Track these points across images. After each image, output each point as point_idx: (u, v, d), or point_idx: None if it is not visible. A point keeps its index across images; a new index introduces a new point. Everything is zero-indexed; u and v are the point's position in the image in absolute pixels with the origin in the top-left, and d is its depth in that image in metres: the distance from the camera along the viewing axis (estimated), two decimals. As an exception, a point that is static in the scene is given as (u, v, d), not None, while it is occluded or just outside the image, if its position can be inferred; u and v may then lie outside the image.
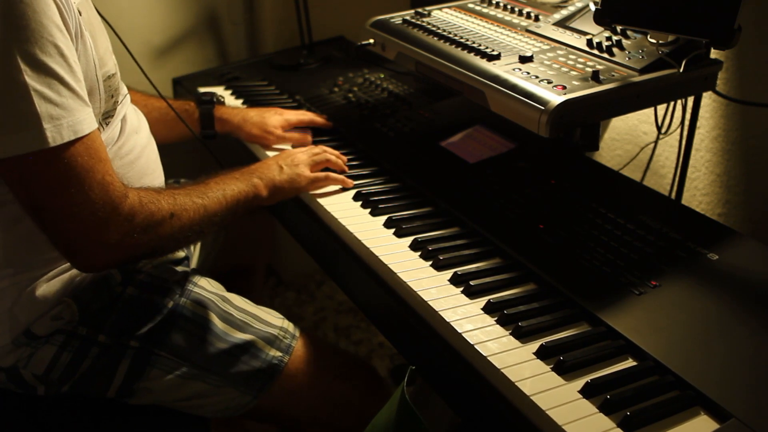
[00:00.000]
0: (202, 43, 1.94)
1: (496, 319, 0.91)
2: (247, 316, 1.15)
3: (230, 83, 1.73)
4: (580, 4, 1.36)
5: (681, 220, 1.07)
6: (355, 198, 1.20)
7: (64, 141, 0.87)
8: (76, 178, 0.89)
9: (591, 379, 0.79)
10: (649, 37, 1.19)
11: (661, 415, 0.76)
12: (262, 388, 1.11)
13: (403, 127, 1.40)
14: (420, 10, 1.47)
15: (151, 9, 1.81)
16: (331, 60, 1.83)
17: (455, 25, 1.39)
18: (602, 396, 0.77)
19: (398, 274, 0.99)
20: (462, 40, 1.28)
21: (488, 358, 0.84)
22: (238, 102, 1.61)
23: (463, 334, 0.88)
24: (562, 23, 1.33)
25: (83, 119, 0.90)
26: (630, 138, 1.64)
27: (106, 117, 1.06)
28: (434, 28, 1.35)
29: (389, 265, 1.01)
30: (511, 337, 0.88)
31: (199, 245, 1.42)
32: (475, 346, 0.86)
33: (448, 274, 1.00)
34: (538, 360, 0.84)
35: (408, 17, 1.44)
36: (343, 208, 1.17)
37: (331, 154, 1.27)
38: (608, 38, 1.22)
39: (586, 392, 0.79)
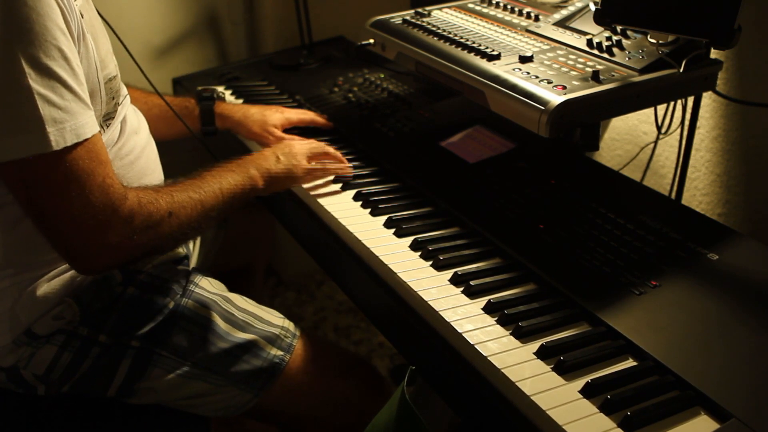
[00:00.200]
0: (202, 43, 1.94)
1: (496, 319, 0.91)
2: (248, 316, 1.15)
3: (230, 83, 1.73)
4: (580, 4, 1.36)
5: (681, 220, 1.07)
6: (355, 198, 1.20)
7: (67, 144, 0.87)
8: (77, 182, 0.89)
9: (591, 379, 0.79)
10: (649, 37, 1.19)
11: (661, 415, 0.76)
12: (263, 387, 1.11)
13: (403, 127, 1.40)
14: (420, 10, 1.47)
15: (151, 9, 1.81)
16: (331, 60, 1.83)
17: (455, 25, 1.39)
18: (602, 396, 0.77)
19: (398, 274, 0.99)
20: (462, 40, 1.28)
21: (488, 358, 0.84)
22: (239, 102, 1.61)
23: (464, 334, 0.88)
24: (562, 23, 1.33)
25: (86, 122, 0.90)
26: (630, 138, 1.64)
27: (106, 119, 1.06)
28: (434, 28, 1.35)
29: (389, 265, 1.01)
30: (511, 337, 0.88)
31: (198, 244, 1.42)
32: (476, 346, 0.86)
33: (448, 274, 1.00)
34: (539, 360, 0.84)
35: (408, 17, 1.44)
36: (343, 208, 1.17)
37: (329, 148, 1.27)
38: (608, 38, 1.23)
39: (587, 392, 0.79)
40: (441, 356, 0.91)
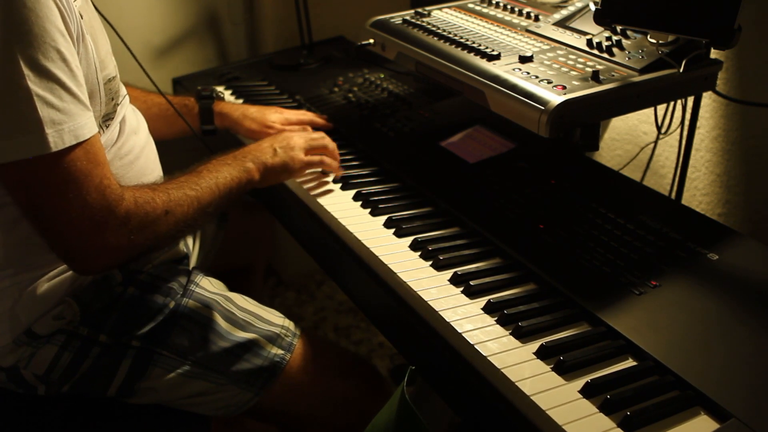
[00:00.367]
0: (202, 43, 1.94)
1: (496, 319, 0.91)
2: (249, 315, 1.15)
3: (230, 83, 1.73)
4: (580, 4, 1.36)
5: (681, 220, 1.07)
6: (355, 198, 1.20)
7: (66, 146, 0.88)
8: (75, 183, 0.89)
9: (591, 379, 0.79)
10: (649, 37, 1.19)
11: (661, 415, 0.76)
12: (264, 386, 1.11)
13: (403, 127, 1.40)
14: (420, 10, 1.47)
15: (151, 9, 1.81)
16: (331, 60, 1.83)
17: (455, 25, 1.39)
18: (602, 396, 0.77)
19: (398, 274, 1.00)
20: (462, 40, 1.28)
21: (488, 358, 0.84)
22: (239, 102, 1.61)
23: (463, 334, 0.88)
24: (562, 23, 1.33)
25: (84, 124, 0.90)
26: (630, 138, 1.64)
27: (106, 119, 1.06)
28: (434, 28, 1.35)
29: (389, 265, 1.01)
30: (511, 337, 0.88)
31: (198, 244, 1.42)
32: (475, 346, 0.86)
33: (448, 274, 1.00)
34: (538, 360, 0.84)
35: (408, 17, 1.44)
36: (343, 208, 1.17)
37: (330, 142, 1.27)
38: (608, 38, 1.23)
39: (587, 392, 0.79)
40: (441, 356, 0.91)
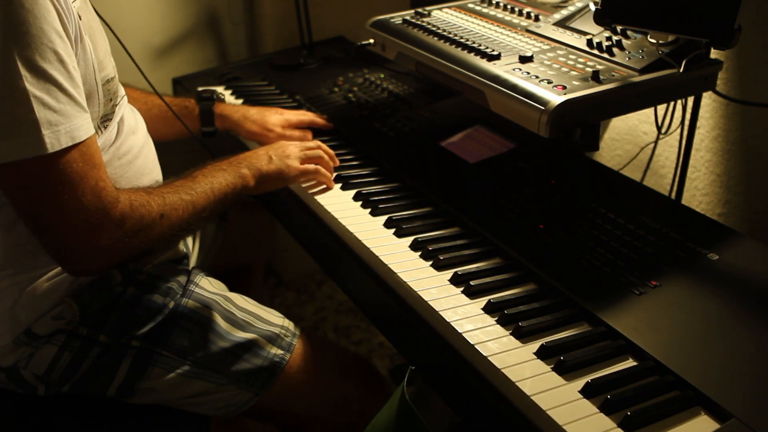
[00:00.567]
0: (202, 43, 1.94)
1: (496, 319, 0.91)
2: (248, 316, 1.15)
3: (230, 83, 1.73)
4: (580, 4, 1.36)
5: (681, 220, 1.07)
6: (355, 198, 1.20)
7: (62, 147, 0.88)
8: (71, 184, 0.89)
9: (591, 379, 0.79)
10: (649, 37, 1.19)
11: (661, 415, 0.76)
12: (264, 386, 1.11)
13: (403, 127, 1.40)
14: (420, 10, 1.47)
15: (151, 9, 1.81)
16: (331, 60, 1.83)
17: (455, 25, 1.39)
18: (602, 396, 0.77)
19: (398, 274, 0.99)
20: (462, 40, 1.28)
21: (488, 358, 0.84)
22: (239, 102, 1.61)
23: (464, 334, 0.88)
24: (562, 23, 1.33)
25: (80, 125, 0.90)
26: (630, 138, 1.64)
27: (104, 120, 1.06)
28: (434, 28, 1.35)
29: (389, 265, 1.01)
30: (511, 337, 0.88)
31: (198, 244, 1.42)
32: (476, 346, 0.86)
33: (449, 274, 1.00)
34: (539, 360, 0.84)
35: (408, 17, 1.44)
36: (343, 208, 1.17)
37: (325, 152, 1.27)
38: (608, 38, 1.23)
39: (587, 392, 0.79)
40: (441, 356, 0.91)
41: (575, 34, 1.28)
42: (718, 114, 1.49)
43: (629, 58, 1.16)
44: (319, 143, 1.28)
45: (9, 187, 0.90)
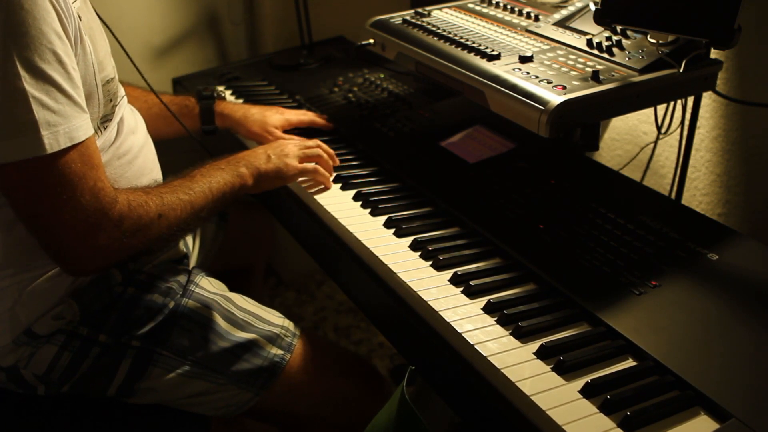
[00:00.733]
0: (202, 43, 1.94)
1: (496, 319, 0.91)
2: (249, 316, 1.15)
3: (230, 83, 1.73)
4: (580, 4, 1.36)
5: (681, 220, 1.07)
6: (355, 198, 1.20)
7: (61, 148, 0.88)
8: (69, 185, 0.89)
9: (591, 379, 0.79)
10: (649, 37, 1.19)
11: (661, 415, 0.76)
12: (264, 386, 1.11)
13: (403, 127, 1.40)
14: (420, 10, 1.47)
15: (151, 9, 1.81)
16: (331, 60, 1.83)
17: (455, 25, 1.39)
18: (602, 396, 0.77)
19: (398, 274, 0.99)
20: (462, 40, 1.28)
21: (488, 358, 0.84)
22: (239, 102, 1.61)
23: (463, 334, 0.88)
24: (562, 23, 1.33)
25: (79, 126, 0.90)
26: (630, 138, 1.64)
27: (104, 120, 1.06)
28: (434, 28, 1.35)
29: (389, 265, 1.01)
30: (511, 337, 0.88)
31: (198, 244, 1.42)
32: (475, 346, 0.86)
33: (448, 274, 1.00)
34: (538, 360, 0.84)
35: (408, 17, 1.44)
36: (343, 208, 1.17)
37: (324, 151, 1.27)
38: (608, 38, 1.23)
39: (586, 392, 0.79)
40: (441, 356, 0.91)
41: (575, 34, 1.28)
42: (718, 114, 1.49)
43: (629, 58, 1.16)
44: (319, 142, 1.28)
45: (8, 187, 0.90)
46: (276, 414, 1.18)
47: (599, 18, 1.15)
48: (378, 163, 1.31)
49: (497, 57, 1.20)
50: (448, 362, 0.89)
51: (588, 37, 1.25)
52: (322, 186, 1.23)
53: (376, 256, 1.04)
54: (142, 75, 1.29)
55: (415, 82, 1.60)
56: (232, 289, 1.21)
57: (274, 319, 1.17)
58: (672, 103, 1.35)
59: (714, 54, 1.17)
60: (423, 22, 1.40)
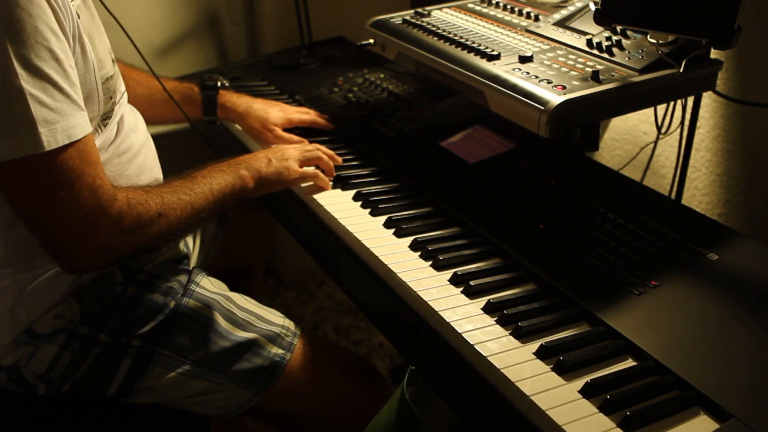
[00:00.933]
0: (202, 43, 1.94)
1: (496, 319, 0.91)
2: (249, 315, 1.15)
3: (230, 83, 1.73)
4: (580, 4, 1.36)
5: (681, 220, 1.07)
6: (355, 198, 1.20)
7: (59, 145, 0.88)
8: (67, 182, 0.90)
9: (591, 379, 0.79)
10: (649, 37, 1.19)
11: (661, 415, 0.76)
12: (264, 386, 1.11)
13: (403, 127, 1.40)
14: (420, 10, 1.47)
15: (151, 9, 1.81)
16: (331, 60, 1.83)
17: (455, 25, 1.39)
18: (602, 396, 0.77)
19: (398, 274, 1.00)
20: (462, 40, 1.28)
21: (488, 358, 0.84)
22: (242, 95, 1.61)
23: (463, 334, 0.88)
24: (562, 23, 1.33)
25: (77, 123, 0.90)
26: (630, 138, 1.65)
27: (104, 118, 1.06)
28: (434, 28, 1.35)
29: (389, 265, 1.01)
30: (511, 337, 0.88)
31: (198, 244, 1.42)
32: (475, 346, 0.86)
33: (448, 274, 1.00)
34: (538, 360, 0.84)
35: (408, 17, 1.44)
36: (343, 208, 1.17)
37: (324, 153, 1.27)
38: (608, 38, 1.23)
39: (586, 392, 0.79)
40: (441, 356, 0.91)
41: (575, 34, 1.28)
42: (718, 114, 1.49)
43: (629, 58, 1.16)
44: (318, 146, 1.28)
45: (6, 185, 0.91)
46: (276, 414, 1.18)
47: (599, 18, 1.15)
48: (378, 163, 1.31)
49: (497, 57, 1.20)
50: (448, 362, 0.89)
51: (588, 37, 1.25)
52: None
53: (376, 256, 1.04)
54: (152, 70, 1.30)
55: (415, 82, 1.60)
56: (232, 289, 1.21)
57: (274, 319, 1.17)
58: (672, 103, 1.35)
59: (714, 54, 1.17)
60: (423, 22, 1.40)
